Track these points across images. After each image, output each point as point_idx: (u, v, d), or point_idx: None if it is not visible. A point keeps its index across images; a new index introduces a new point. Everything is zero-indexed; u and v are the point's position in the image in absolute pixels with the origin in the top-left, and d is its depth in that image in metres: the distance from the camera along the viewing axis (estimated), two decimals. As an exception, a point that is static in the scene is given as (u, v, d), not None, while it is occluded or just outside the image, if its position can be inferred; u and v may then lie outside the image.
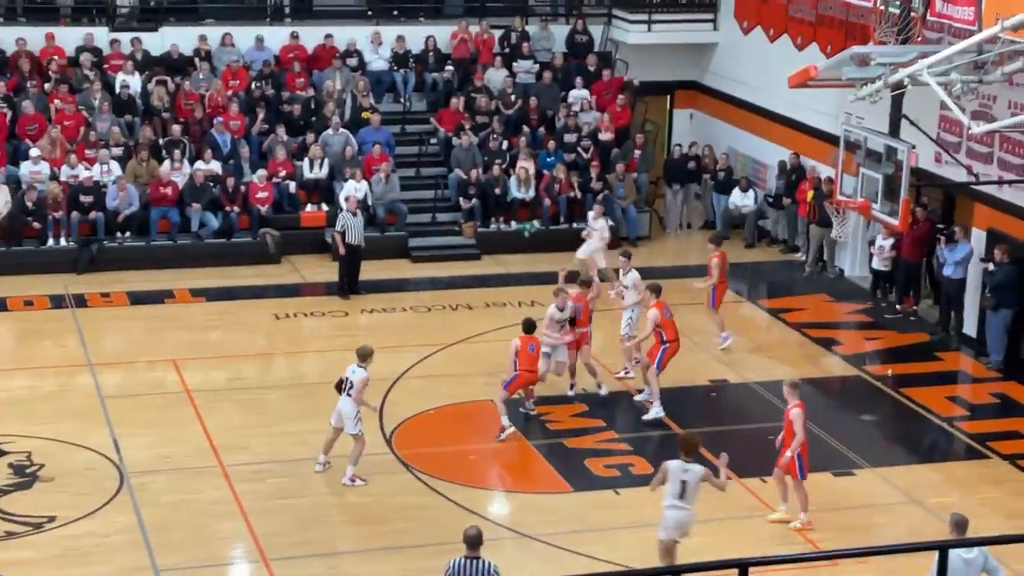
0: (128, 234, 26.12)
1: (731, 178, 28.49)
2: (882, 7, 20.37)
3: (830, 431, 19.97)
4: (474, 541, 13.43)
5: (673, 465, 15.37)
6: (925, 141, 21.17)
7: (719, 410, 20.80)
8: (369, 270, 25.66)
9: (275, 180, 26.82)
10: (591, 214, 25.16)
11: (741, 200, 28.06)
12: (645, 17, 29.92)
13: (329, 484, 18.27)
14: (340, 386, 18.23)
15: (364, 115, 28.04)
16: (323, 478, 18.38)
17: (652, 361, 20.10)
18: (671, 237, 28.91)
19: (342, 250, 24.45)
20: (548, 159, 27.88)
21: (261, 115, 27.70)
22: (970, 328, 23.14)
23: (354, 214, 24.48)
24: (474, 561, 13.35)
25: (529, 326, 19.56)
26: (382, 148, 27.50)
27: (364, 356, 18.20)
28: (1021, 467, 19.25)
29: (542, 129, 28.64)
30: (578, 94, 29.07)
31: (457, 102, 28.48)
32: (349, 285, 24.73)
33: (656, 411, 20.04)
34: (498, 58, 29.36)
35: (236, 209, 26.37)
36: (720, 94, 30.14)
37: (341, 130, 27.66)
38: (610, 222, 25.67)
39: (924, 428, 20.54)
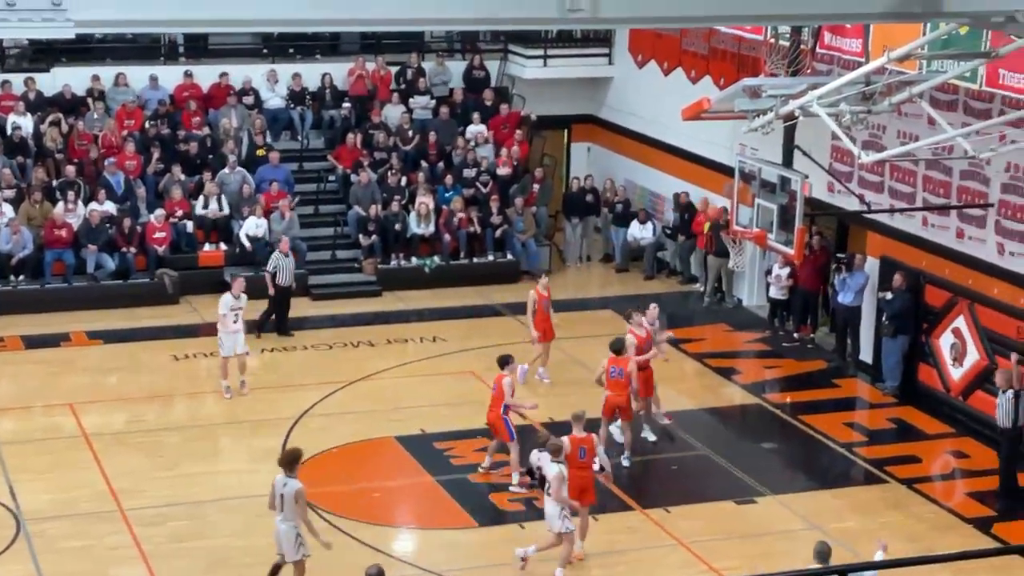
0: (22, 277, 25.76)
1: (629, 210, 28.70)
2: (772, 40, 20.69)
3: (732, 460, 20.15)
4: None
5: (276, 480, 15.96)
6: (818, 171, 21.47)
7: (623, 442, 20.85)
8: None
9: (172, 220, 26.60)
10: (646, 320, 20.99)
11: (640, 232, 28.26)
12: (541, 52, 30.12)
13: (232, 526, 18.09)
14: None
15: (259, 152, 27.92)
16: (226, 520, 18.19)
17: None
18: (571, 270, 29.05)
19: (271, 290, 24.36)
20: (447, 194, 27.91)
21: (156, 155, 27.47)
22: (866, 355, 23.47)
23: (286, 255, 24.42)
24: None
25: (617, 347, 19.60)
26: (280, 186, 27.39)
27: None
28: (919, 491, 19.53)
29: (440, 164, 28.68)
30: (475, 129, 29.17)
31: (355, 139, 28.45)
32: (278, 325, 24.61)
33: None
34: (395, 94, 29.38)
35: (133, 250, 26.09)
36: (617, 127, 30.38)
37: (238, 169, 27.51)
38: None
39: (823, 454, 20.77)
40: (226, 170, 27.40)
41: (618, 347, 19.65)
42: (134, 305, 25.62)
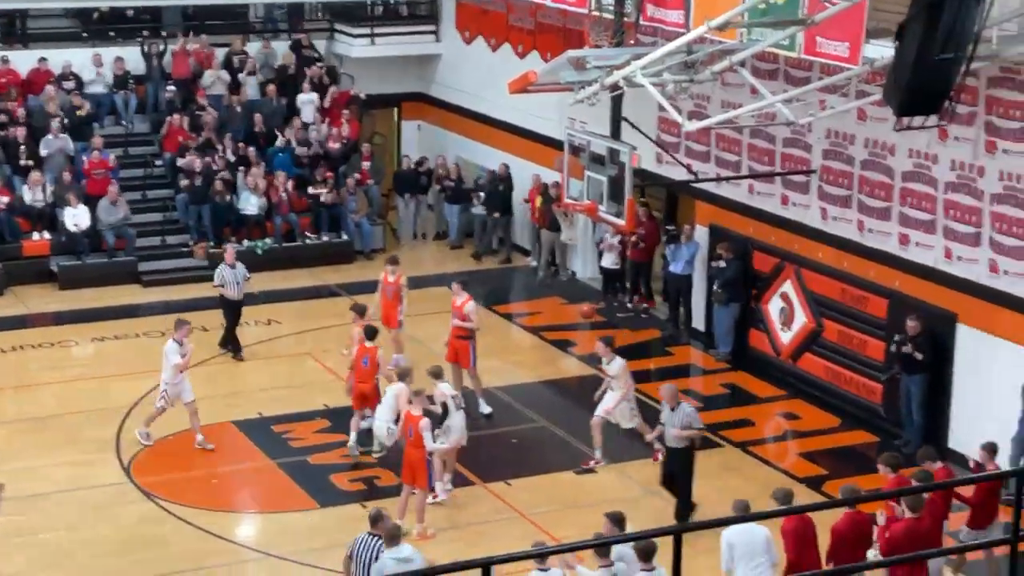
0: None
1: (461, 187, 28.73)
2: (596, 13, 20.87)
3: (570, 430, 20.34)
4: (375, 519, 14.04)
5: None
6: (646, 142, 21.74)
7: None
8: (99, 297, 25.10)
9: (-6, 209, 25.95)
10: (602, 354, 19.34)
11: (478, 209, 28.28)
12: (367, 31, 29.98)
13: (69, 519, 17.77)
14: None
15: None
16: (62, 513, 17.87)
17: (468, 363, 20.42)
18: (405, 248, 28.96)
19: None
20: (277, 175, 27.64)
21: (-24, 143, 26.78)
22: (699, 322, 23.85)
23: (232, 267, 22.69)
24: (376, 538, 13.97)
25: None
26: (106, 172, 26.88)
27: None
28: (753, 453, 19.94)
29: (270, 145, 28.39)
30: (306, 97, 28.88)
31: (180, 120, 28.01)
32: (231, 345, 22.86)
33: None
34: (222, 74, 28.97)
35: (-46, 241, 25.45)
36: (447, 104, 30.39)
37: (61, 136, 26.89)
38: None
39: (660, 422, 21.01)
40: (49, 136, 26.72)
41: (372, 334, 19.45)
42: (-43, 298, 25.01)
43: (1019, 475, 13.12)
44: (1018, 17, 15.97)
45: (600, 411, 19.09)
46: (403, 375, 18.33)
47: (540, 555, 13.10)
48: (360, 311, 20.23)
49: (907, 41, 8.58)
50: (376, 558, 13.91)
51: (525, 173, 27.52)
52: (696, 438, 17.57)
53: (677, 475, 17.60)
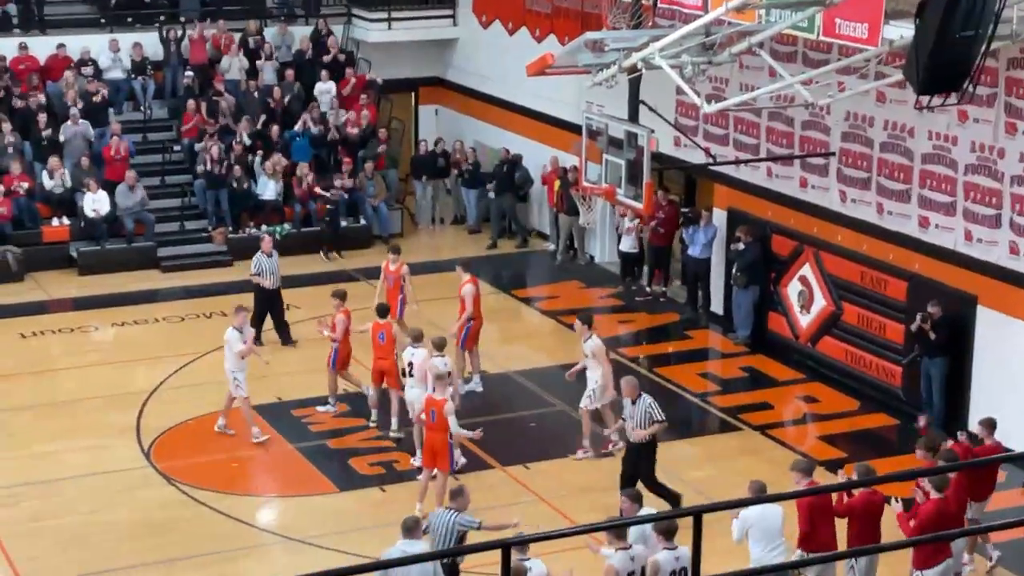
0: None
1: (479, 172, 28.72)
2: (615, -5, 20.79)
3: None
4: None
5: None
6: (664, 126, 21.68)
7: (482, 401, 20.89)
8: (118, 283, 25.16)
9: (13, 195, 25.99)
10: (579, 332, 19.39)
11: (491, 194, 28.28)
12: (384, 15, 29.95)
13: (89, 503, 17.83)
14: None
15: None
16: (82, 497, 17.93)
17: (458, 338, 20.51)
18: (424, 233, 29.01)
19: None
20: (296, 160, 27.67)
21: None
22: (717, 306, 23.81)
23: (268, 255, 22.36)
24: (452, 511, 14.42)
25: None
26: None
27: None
28: (771, 436, 19.92)
29: (288, 130, 28.39)
30: (324, 87, 28.90)
31: (198, 106, 28.04)
32: (278, 332, 22.66)
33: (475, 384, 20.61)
34: (239, 59, 28.99)
35: (-28, 227, 25.50)
36: (464, 89, 30.36)
37: (81, 122, 26.95)
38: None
39: (679, 405, 21.04)
40: (68, 122, 26.79)
41: (384, 311, 19.79)
42: (-23, 284, 25.09)
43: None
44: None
45: (584, 401, 18.96)
46: (417, 338, 18.69)
47: (559, 536, 13.09)
48: (341, 296, 20.38)
49: (927, 19, 8.55)
50: (451, 531, 14.28)
51: (542, 157, 27.51)
52: (658, 432, 17.29)
53: (640, 472, 17.16)
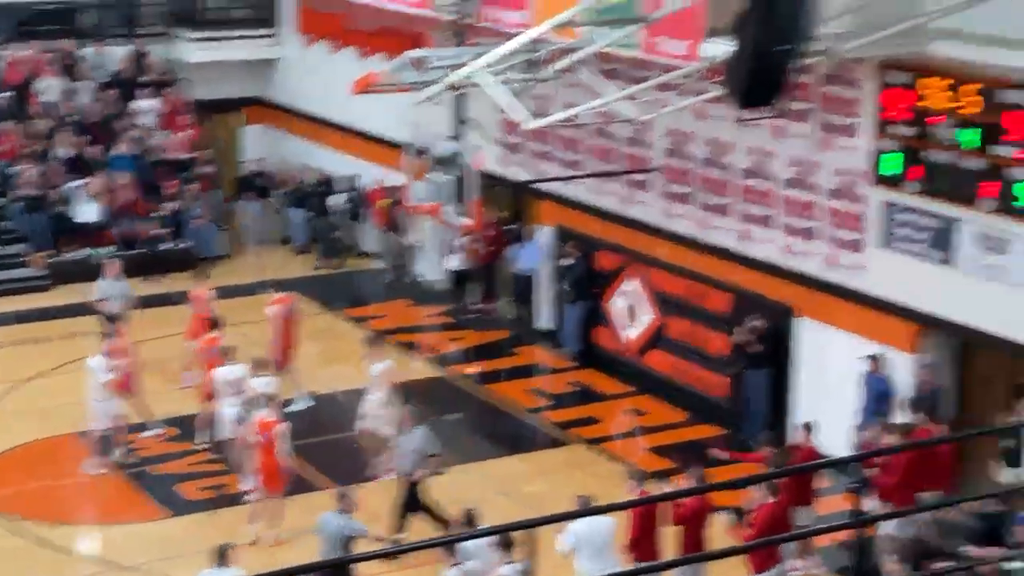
0: None
1: (305, 191, 28.54)
2: (438, 14, 20.88)
3: (420, 432, 20.28)
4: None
5: None
6: (489, 143, 21.80)
7: (310, 421, 20.73)
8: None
9: None
10: (365, 356, 19.63)
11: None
12: (205, 35, 29.62)
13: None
14: None
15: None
16: None
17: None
18: (251, 254, 28.70)
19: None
20: (117, 181, 27.18)
21: None
22: (545, 322, 23.98)
23: (116, 279, 22.16)
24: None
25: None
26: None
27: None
28: (600, 449, 20.11)
29: (108, 151, 27.89)
30: (145, 105, 28.46)
31: (14, 128, 27.37)
32: None
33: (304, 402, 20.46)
34: (56, 80, 28.39)
35: None
36: (288, 108, 30.17)
37: None
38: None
39: (509, 421, 21.15)
40: None
41: (214, 324, 19.88)
42: None
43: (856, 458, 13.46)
44: (850, 14, 16.33)
45: (365, 422, 18.81)
46: (231, 356, 18.62)
47: (396, 553, 13.12)
48: (116, 319, 20.08)
49: (744, 34, 8.74)
50: (340, 535, 14.61)
51: (369, 176, 27.44)
52: (432, 465, 17.23)
53: (418, 502, 17.13)
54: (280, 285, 21.48)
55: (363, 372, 22.32)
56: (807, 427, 16.92)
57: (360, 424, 18.85)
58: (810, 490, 16.42)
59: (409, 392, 21.82)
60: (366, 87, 19.34)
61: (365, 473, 18.85)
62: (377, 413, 18.69)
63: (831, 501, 17.09)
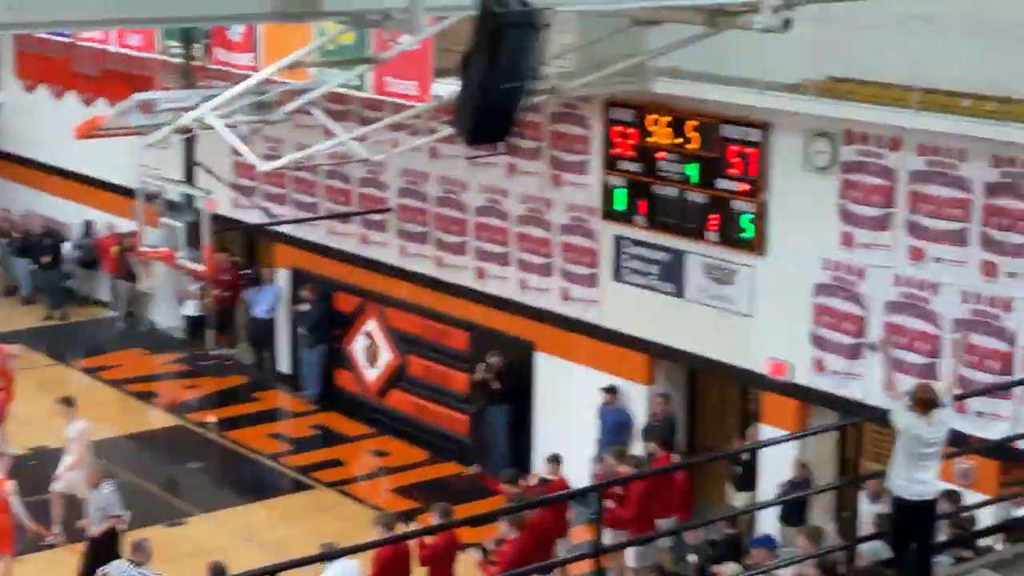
0: None
1: (31, 241, 27.68)
2: (164, 57, 20.54)
3: (157, 482, 19.86)
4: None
5: None
6: (221, 186, 21.50)
7: (44, 475, 20.01)
8: None
9: None
10: (62, 415, 18.94)
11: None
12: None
13: None
14: None
15: None
16: None
17: None
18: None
19: None
20: None
21: None
22: (284, 366, 23.75)
23: None
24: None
25: None
26: None
27: None
28: (345, 492, 19.99)
29: None
30: None
31: None
32: None
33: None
34: None
35: None
36: (10, 155, 29.25)
37: None
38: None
39: (251, 468, 20.86)
40: None
41: None
42: None
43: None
44: (575, 52, 16.66)
45: (58, 484, 18.33)
46: None
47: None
48: None
49: (471, 71, 8.81)
50: None
51: (98, 223, 26.78)
52: (116, 526, 16.75)
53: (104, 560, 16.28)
54: (2, 337, 20.69)
55: (109, 423, 21.87)
56: (555, 459, 17.11)
57: (54, 486, 18.30)
58: (564, 521, 16.58)
59: (149, 442, 21.43)
60: (90, 131, 18.84)
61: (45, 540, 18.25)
62: (71, 475, 18.23)
63: (577, 531, 17.31)
